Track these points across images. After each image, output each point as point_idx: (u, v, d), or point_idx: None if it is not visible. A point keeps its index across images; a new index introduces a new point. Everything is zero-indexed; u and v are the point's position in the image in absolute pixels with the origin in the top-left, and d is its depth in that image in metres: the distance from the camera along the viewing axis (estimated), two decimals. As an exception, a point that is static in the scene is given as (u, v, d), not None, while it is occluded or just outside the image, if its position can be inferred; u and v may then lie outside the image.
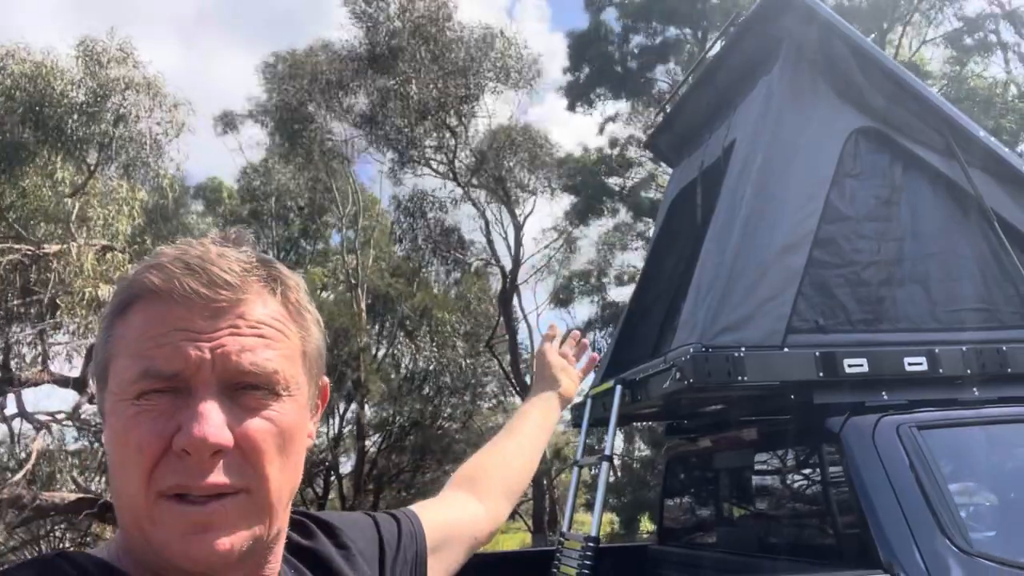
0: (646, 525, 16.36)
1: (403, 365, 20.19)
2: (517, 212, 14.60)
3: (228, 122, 18.55)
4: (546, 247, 16.94)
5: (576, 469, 3.24)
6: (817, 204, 2.79)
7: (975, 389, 2.68)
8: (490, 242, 14.93)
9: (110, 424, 0.63)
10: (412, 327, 19.07)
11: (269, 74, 14.39)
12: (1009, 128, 10.92)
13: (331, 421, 19.05)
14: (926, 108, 2.99)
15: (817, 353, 2.54)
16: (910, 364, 2.58)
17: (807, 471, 2.73)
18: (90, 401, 10.92)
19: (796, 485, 2.81)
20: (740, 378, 2.46)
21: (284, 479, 0.65)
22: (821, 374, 2.52)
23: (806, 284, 2.71)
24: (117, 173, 9.75)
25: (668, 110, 4.16)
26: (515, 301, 16.06)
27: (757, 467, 2.98)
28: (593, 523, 2.78)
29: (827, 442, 2.52)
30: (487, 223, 14.56)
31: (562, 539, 3.00)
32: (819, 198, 2.80)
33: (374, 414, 20.05)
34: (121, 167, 9.64)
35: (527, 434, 1.25)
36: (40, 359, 11.04)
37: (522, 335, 20.48)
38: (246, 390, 0.63)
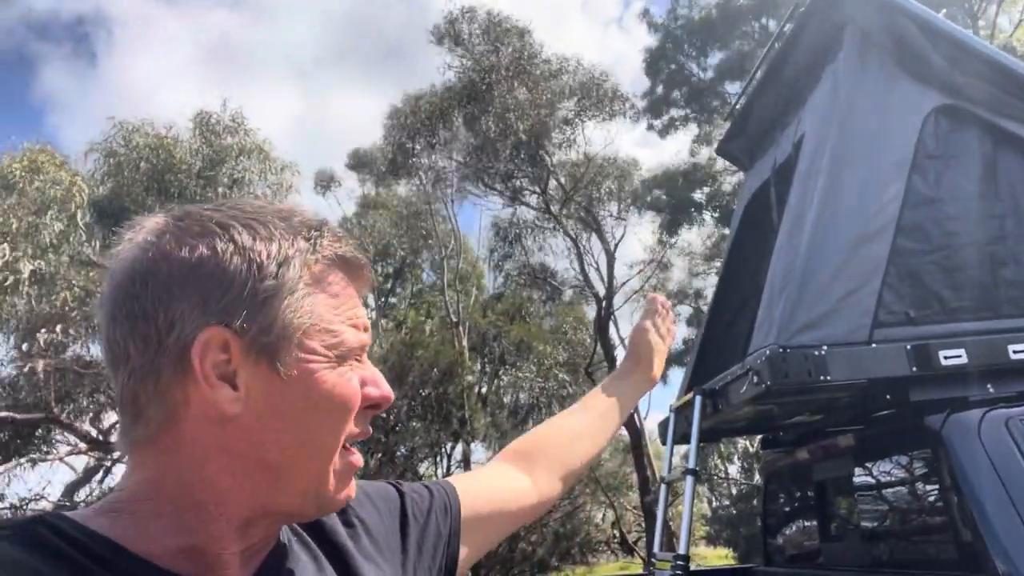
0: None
1: (507, 400, 20.28)
2: (608, 238, 14.52)
3: (323, 182, 19.53)
4: (639, 271, 16.72)
5: (664, 487, 3.14)
6: (897, 189, 2.63)
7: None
8: (583, 270, 14.88)
9: (312, 383, 0.64)
10: (513, 361, 19.18)
11: (388, 125, 14.97)
12: None
13: (439, 460, 19.30)
14: (1009, 79, 2.77)
15: (908, 346, 2.37)
16: (1016, 352, 2.36)
17: (910, 476, 2.52)
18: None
19: (900, 493, 2.60)
20: (823, 377, 2.32)
21: None
22: (914, 368, 2.34)
23: (892, 274, 2.54)
24: None
25: (737, 113, 4.06)
26: (612, 328, 15.90)
27: (857, 476, 2.79)
28: (681, 540, 2.68)
29: (929, 442, 2.33)
30: (579, 252, 14.55)
31: (653, 560, 2.90)
32: (899, 183, 2.64)
33: (484, 450, 20.18)
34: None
35: (601, 413, 1.18)
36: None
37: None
38: None
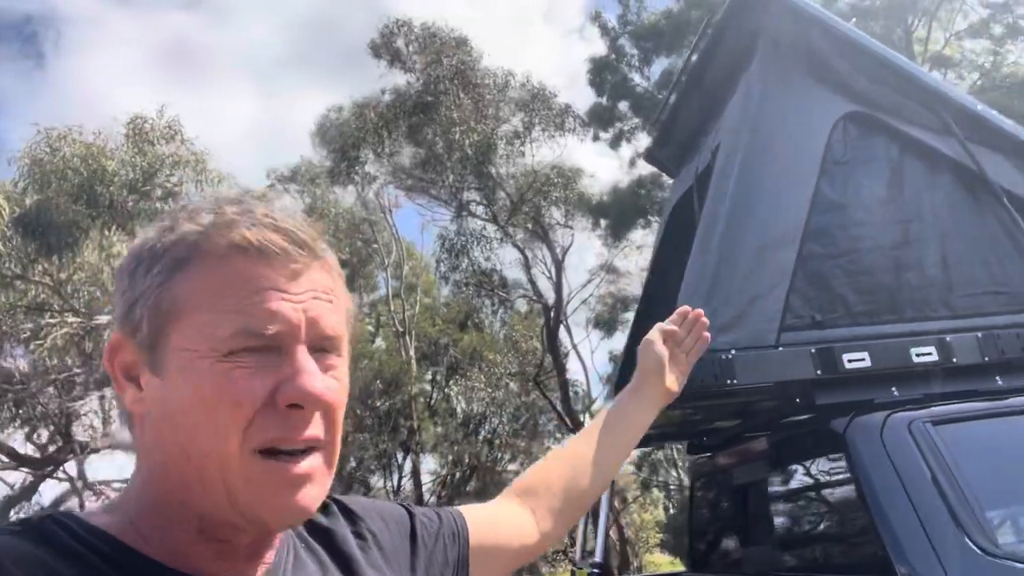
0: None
1: (458, 410, 20.14)
2: (556, 247, 14.57)
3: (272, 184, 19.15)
4: (589, 281, 16.82)
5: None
6: (805, 195, 2.65)
7: (998, 378, 2.46)
8: (531, 279, 14.91)
9: (184, 381, 0.61)
10: (464, 371, 19.06)
11: (319, 136, 14.87)
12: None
13: (389, 473, 19.04)
14: (916, 87, 2.83)
15: (813, 349, 2.38)
16: (918, 355, 2.39)
17: (819, 481, 2.54)
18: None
19: (810, 497, 2.62)
20: (730, 381, 2.32)
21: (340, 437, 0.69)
22: (819, 372, 2.36)
23: (799, 278, 2.56)
24: None
25: (662, 121, 4.08)
26: (566, 336, 15.92)
27: (770, 480, 2.79)
28: (597, 547, 2.64)
29: (834, 446, 2.34)
30: (527, 260, 14.57)
31: (574, 568, 2.86)
32: (807, 188, 2.67)
33: (434, 461, 19.97)
34: None
35: (611, 437, 1.15)
36: (102, 426, 11.41)
37: (577, 371, 20.23)
38: (321, 352, 0.66)
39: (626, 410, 1.20)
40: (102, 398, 10.86)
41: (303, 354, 0.63)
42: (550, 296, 15.09)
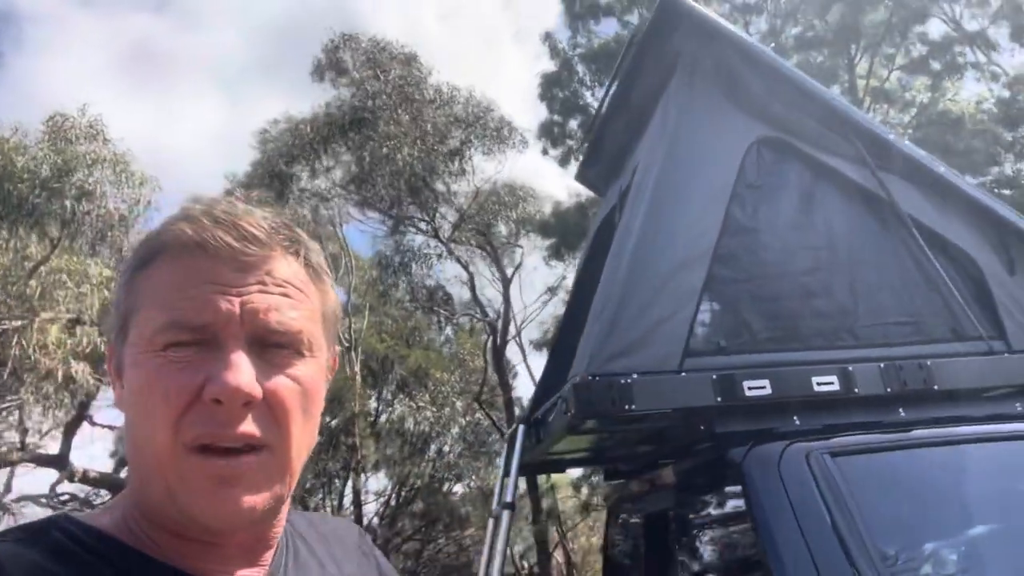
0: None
1: (404, 429, 19.79)
2: (504, 265, 14.49)
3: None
4: (536, 299, 16.75)
5: (491, 521, 2.97)
6: (716, 218, 2.61)
7: (901, 410, 2.43)
8: (475, 297, 14.76)
9: (131, 377, 0.62)
10: (411, 389, 18.75)
11: (260, 142, 14.60)
12: (979, 149, 10.76)
13: (330, 493, 18.57)
14: (832, 114, 2.82)
15: (714, 376, 2.31)
16: (819, 384, 2.34)
17: (720, 511, 2.46)
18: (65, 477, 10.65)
19: (709, 528, 2.54)
20: (627, 407, 2.23)
21: (304, 440, 0.67)
22: (719, 399, 2.29)
23: (706, 302, 2.50)
24: (86, 250, 9.70)
25: (591, 140, 4.04)
26: (518, 354, 15.75)
27: (675, 510, 2.71)
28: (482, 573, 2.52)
29: (732, 476, 2.27)
30: (472, 278, 14.45)
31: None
32: (718, 212, 2.62)
33: (377, 482, 19.54)
34: (88, 243, 9.62)
35: None
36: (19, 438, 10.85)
37: (528, 389, 20.09)
38: (272, 348, 0.64)
39: None
40: (20, 408, 10.32)
41: (235, 348, 0.61)
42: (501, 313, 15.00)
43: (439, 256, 13.94)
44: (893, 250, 2.72)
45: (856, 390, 2.36)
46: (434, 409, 18.44)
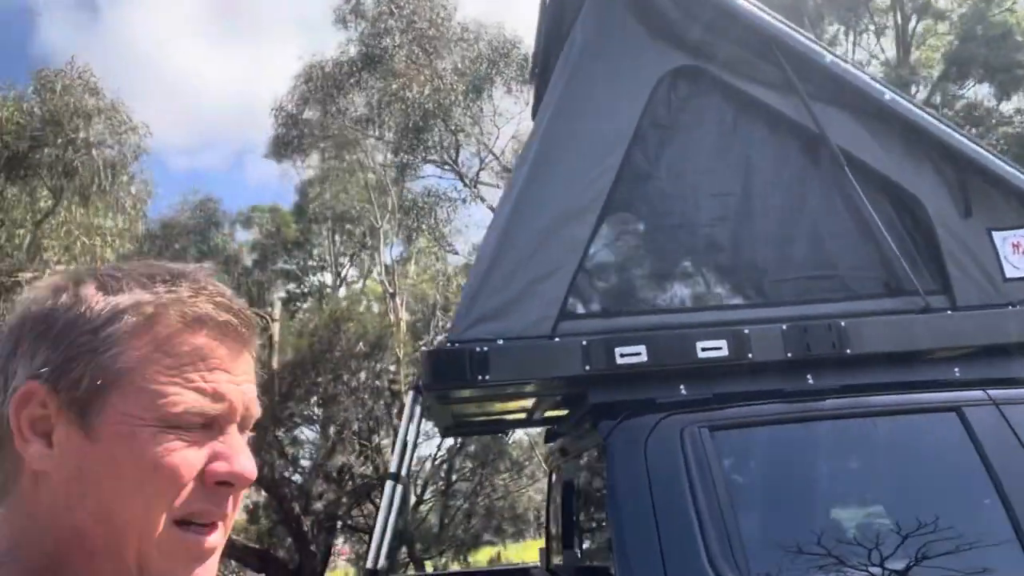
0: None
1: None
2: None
3: (279, 149, 18.36)
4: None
5: (390, 486, 2.81)
6: (611, 162, 2.32)
7: (809, 376, 2.15)
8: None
9: (124, 446, 0.60)
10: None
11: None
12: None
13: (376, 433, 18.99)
14: (757, 36, 2.45)
15: (584, 342, 2.08)
16: (705, 349, 2.08)
17: (599, 484, 2.26)
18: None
19: (591, 499, 2.35)
20: (480, 377, 2.03)
21: None
22: (588, 367, 2.06)
23: (591, 258, 2.25)
24: (77, 201, 9.84)
25: (536, 76, 3.72)
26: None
27: (573, 477, 2.53)
28: (371, 552, 2.40)
29: (599, 450, 2.06)
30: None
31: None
32: (615, 155, 2.33)
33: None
34: (75, 192, 9.76)
35: None
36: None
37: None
38: (244, 431, 0.67)
39: None
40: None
41: (235, 434, 0.64)
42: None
43: (463, 201, 13.70)
44: (821, 193, 2.38)
45: (749, 356, 2.09)
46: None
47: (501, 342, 2.09)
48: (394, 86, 11.48)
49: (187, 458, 0.61)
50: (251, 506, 16.20)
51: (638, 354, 2.05)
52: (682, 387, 2.09)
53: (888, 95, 2.42)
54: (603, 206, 2.27)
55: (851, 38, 14.48)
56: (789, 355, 2.10)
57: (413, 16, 11.98)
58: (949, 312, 2.24)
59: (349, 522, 16.42)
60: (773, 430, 2.04)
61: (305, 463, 17.16)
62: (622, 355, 2.05)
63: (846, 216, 2.34)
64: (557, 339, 2.13)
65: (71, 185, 9.39)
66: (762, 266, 2.28)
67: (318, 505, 15.68)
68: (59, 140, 9.01)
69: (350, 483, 15.61)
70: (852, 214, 2.34)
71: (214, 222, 19.81)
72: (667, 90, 2.44)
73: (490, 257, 2.22)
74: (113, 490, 0.60)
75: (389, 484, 2.49)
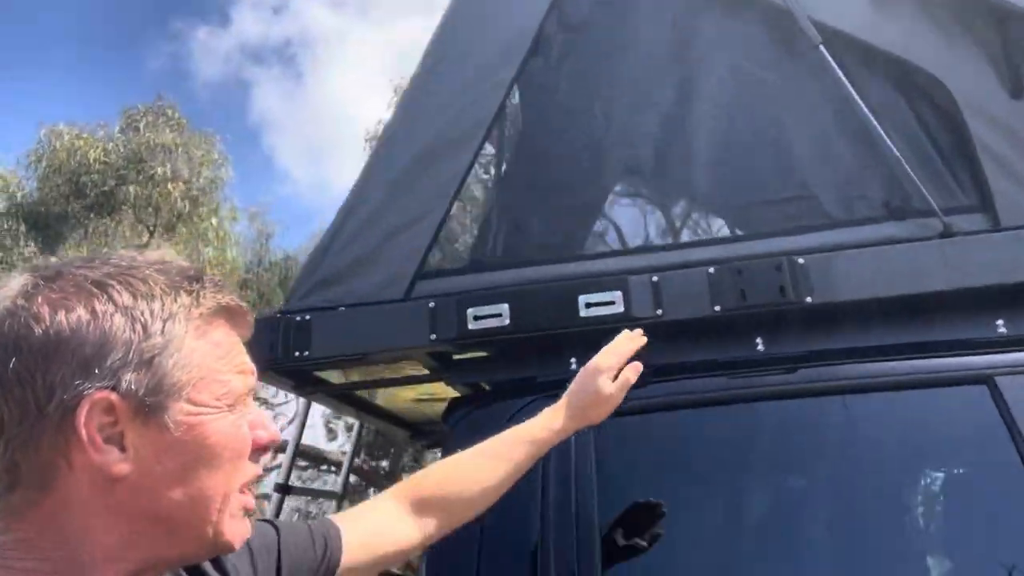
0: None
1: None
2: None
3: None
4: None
5: (276, 496, 2.37)
6: (501, 78, 1.80)
7: (759, 341, 1.50)
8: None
9: (203, 433, 0.65)
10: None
11: None
12: None
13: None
14: None
15: (431, 304, 1.58)
16: (590, 306, 1.50)
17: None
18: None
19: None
20: (299, 353, 1.60)
21: None
22: (433, 336, 1.55)
23: (466, 200, 1.75)
24: (160, 233, 10.47)
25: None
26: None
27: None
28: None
29: (443, 451, 1.54)
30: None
31: None
32: (508, 69, 1.81)
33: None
34: (161, 225, 10.40)
35: (517, 458, 1.13)
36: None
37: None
38: None
39: (539, 431, 1.16)
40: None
41: (251, 403, 0.71)
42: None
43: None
44: (795, 89, 1.71)
45: (659, 312, 1.48)
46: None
47: (318, 312, 1.65)
48: None
49: (246, 432, 0.67)
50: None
51: (498, 315, 1.52)
52: (573, 360, 1.53)
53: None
54: (484, 134, 1.76)
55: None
56: (716, 308, 1.47)
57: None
58: (990, 233, 1.49)
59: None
60: (677, 416, 1.42)
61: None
62: (476, 317, 1.53)
63: (824, 115, 1.65)
64: (410, 302, 1.65)
65: (159, 219, 10.14)
66: (707, 191, 1.66)
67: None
68: (140, 176, 9.73)
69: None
70: (832, 112, 1.65)
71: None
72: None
73: (344, 208, 1.79)
74: (203, 475, 0.65)
75: (275, 496, 2.12)
